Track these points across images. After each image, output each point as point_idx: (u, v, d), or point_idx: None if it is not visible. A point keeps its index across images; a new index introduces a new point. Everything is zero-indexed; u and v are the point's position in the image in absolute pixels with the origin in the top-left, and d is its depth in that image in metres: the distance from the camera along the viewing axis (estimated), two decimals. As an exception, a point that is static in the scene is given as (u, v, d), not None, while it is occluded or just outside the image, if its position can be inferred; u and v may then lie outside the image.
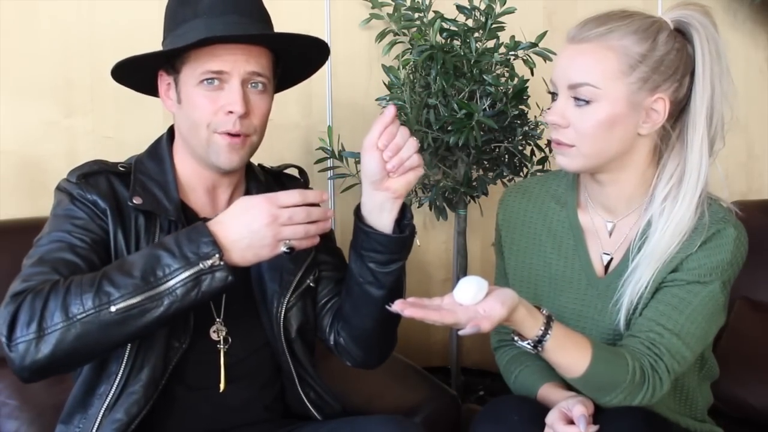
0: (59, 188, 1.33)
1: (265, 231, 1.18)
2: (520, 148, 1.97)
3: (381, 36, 2.06)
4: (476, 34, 1.94)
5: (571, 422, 1.24)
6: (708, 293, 1.31)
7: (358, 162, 1.95)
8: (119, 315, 1.15)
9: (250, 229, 1.18)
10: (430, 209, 2.04)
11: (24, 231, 1.69)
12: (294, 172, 1.55)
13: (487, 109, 1.90)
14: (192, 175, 1.38)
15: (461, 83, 1.88)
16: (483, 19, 1.94)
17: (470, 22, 1.97)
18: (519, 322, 1.21)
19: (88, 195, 1.29)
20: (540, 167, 2.00)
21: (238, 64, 1.29)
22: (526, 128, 1.96)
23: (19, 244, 1.69)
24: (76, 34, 1.88)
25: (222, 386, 1.35)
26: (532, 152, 2.01)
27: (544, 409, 1.30)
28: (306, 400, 1.43)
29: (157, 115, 1.77)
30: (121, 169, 1.35)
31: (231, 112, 1.30)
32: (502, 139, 1.95)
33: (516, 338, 1.26)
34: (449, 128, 1.87)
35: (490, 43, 1.94)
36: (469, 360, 2.23)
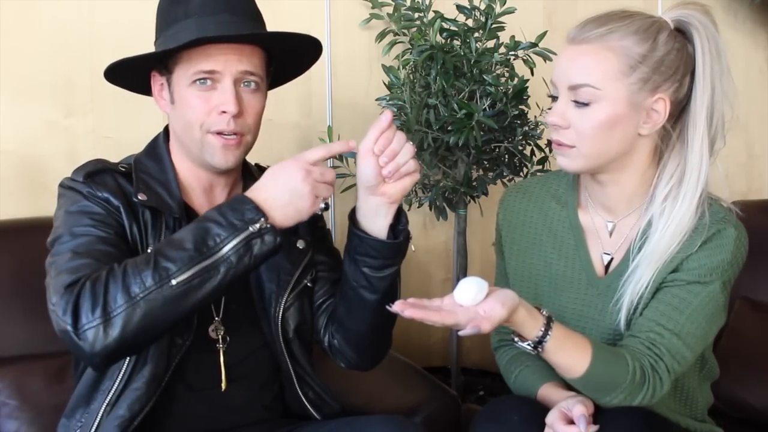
0: (66, 187, 1.32)
1: (302, 186, 1.20)
2: (520, 148, 1.97)
3: (381, 36, 2.06)
4: (476, 34, 1.94)
5: (571, 422, 1.24)
6: (708, 293, 1.31)
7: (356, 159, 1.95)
8: (180, 288, 1.15)
9: (287, 188, 1.20)
10: (430, 209, 2.04)
11: (24, 231, 1.71)
12: None
13: (487, 109, 1.90)
14: (189, 175, 1.38)
15: (461, 83, 1.88)
16: (483, 19, 1.94)
17: (470, 22, 1.97)
18: (519, 323, 1.21)
19: (99, 193, 1.29)
20: (540, 167, 2.00)
21: (230, 63, 1.29)
22: (526, 128, 1.96)
23: (19, 244, 1.70)
24: (76, 34, 1.89)
25: (224, 386, 1.35)
26: (532, 152, 2.01)
27: (544, 409, 1.30)
28: (305, 400, 1.43)
29: (157, 115, 1.76)
30: (122, 168, 1.35)
31: (224, 111, 1.30)
32: (502, 139, 1.95)
33: (516, 339, 1.25)
34: (449, 128, 1.87)
35: (490, 43, 1.94)
36: (469, 360, 2.23)
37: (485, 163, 2.01)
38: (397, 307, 1.14)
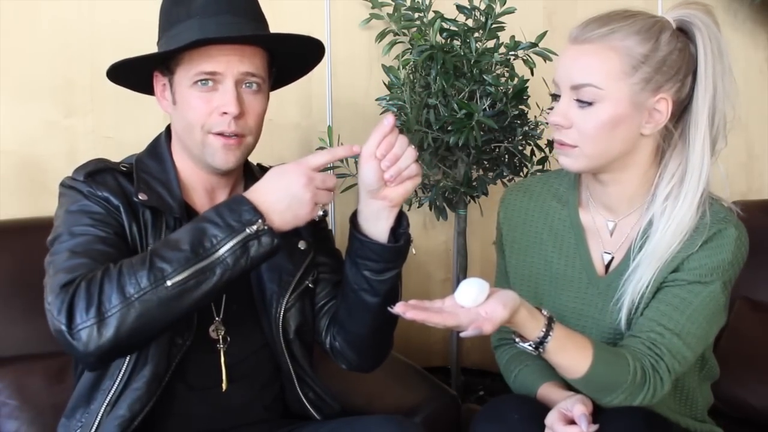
0: (66, 186, 1.32)
1: (303, 192, 1.20)
2: (520, 148, 1.97)
3: (381, 36, 2.06)
4: (476, 34, 1.94)
5: (570, 423, 1.24)
6: (709, 293, 1.31)
7: (357, 162, 1.94)
8: (175, 289, 1.15)
9: (287, 193, 1.20)
10: (430, 209, 2.04)
11: (24, 231, 1.71)
12: None
13: (487, 109, 1.90)
14: (191, 175, 1.38)
15: (461, 83, 1.88)
16: (483, 19, 1.94)
17: (470, 22, 1.97)
18: (520, 323, 1.21)
19: (99, 192, 1.29)
20: (540, 167, 2.00)
21: (232, 64, 1.29)
22: (526, 128, 1.96)
23: (20, 244, 1.70)
24: (76, 34, 1.89)
25: (224, 386, 1.35)
26: (532, 152, 2.01)
27: (544, 408, 1.30)
28: (305, 401, 1.43)
29: (157, 115, 1.77)
30: (123, 168, 1.35)
31: (225, 113, 1.30)
32: (502, 139, 1.95)
33: (517, 339, 1.25)
34: (449, 128, 1.87)
35: (490, 43, 1.94)
36: (469, 360, 2.23)
37: (485, 163, 2.01)
38: (398, 309, 1.14)
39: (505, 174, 1.99)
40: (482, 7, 1.95)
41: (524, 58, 1.97)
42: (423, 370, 1.88)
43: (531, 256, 1.45)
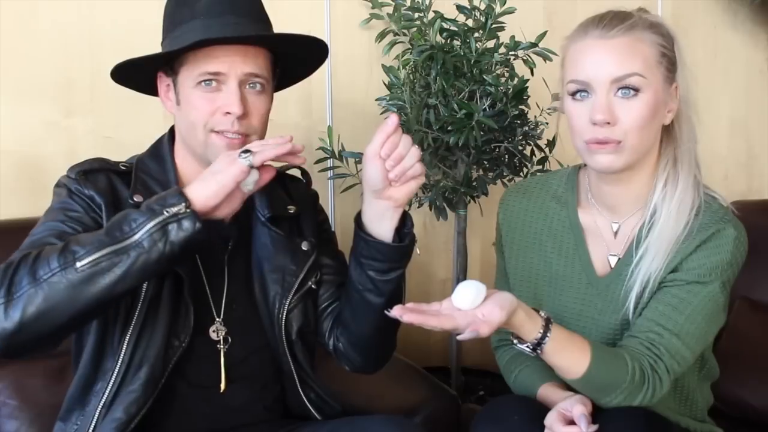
0: (58, 184, 1.33)
1: (220, 162, 1.19)
2: (520, 148, 1.97)
3: (381, 36, 2.06)
4: (476, 34, 1.94)
5: (569, 423, 1.24)
6: (708, 293, 1.31)
7: (358, 162, 1.95)
8: (85, 271, 1.12)
9: (210, 170, 1.19)
10: (430, 209, 2.04)
11: (24, 231, 1.69)
12: (296, 173, 1.55)
13: (487, 109, 1.90)
14: (193, 176, 1.37)
15: (461, 83, 1.88)
16: (483, 19, 1.94)
17: (470, 22, 1.97)
18: (518, 325, 1.22)
19: (86, 190, 1.29)
20: (540, 167, 2.00)
21: (235, 65, 1.29)
22: (526, 128, 1.96)
23: (19, 244, 1.69)
24: (76, 34, 1.89)
25: (223, 386, 1.35)
26: (532, 152, 2.01)
27: (544, 408, 1.30)
28: (307, 401, 1.43)
29: (157, 115, 1.77)
30: (122, 168, 1.35)
31: (228, 113, 1.30)
32: (502, 139, 1.95)
33: (515, 341, 1.26)
34: (449, 128, 1.87)
35: (490, 43, 1.94)
36: (469, 360, 2.23)
37: (485, 163, 2.01)
38: (395, 312, 1.14)
39: (505, 174, 1.99)
40: (482, 7, 1.95)
41: (524, 58, 1.97)
42: (423, 370, 1.88)
43: (530, 257, 1.45)
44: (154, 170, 1.36)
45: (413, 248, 1.33)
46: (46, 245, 1.20)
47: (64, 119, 1.90)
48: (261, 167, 1.21)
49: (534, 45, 1.94)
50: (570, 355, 1.25)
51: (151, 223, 1.14)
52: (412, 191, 1.26)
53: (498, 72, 1.94)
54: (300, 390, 1.42)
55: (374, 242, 1.29)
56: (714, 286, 1.31)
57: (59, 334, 1.20)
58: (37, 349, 1.21)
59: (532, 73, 1.97)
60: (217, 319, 1.37)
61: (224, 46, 1.29)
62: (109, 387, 1.28)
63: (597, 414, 1.27)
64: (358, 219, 1.32)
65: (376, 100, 1.98)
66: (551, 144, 1.99)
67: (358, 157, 1.93)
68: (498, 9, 1.94)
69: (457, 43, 1.95)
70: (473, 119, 1.83)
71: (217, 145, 1.31)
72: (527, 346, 1.24)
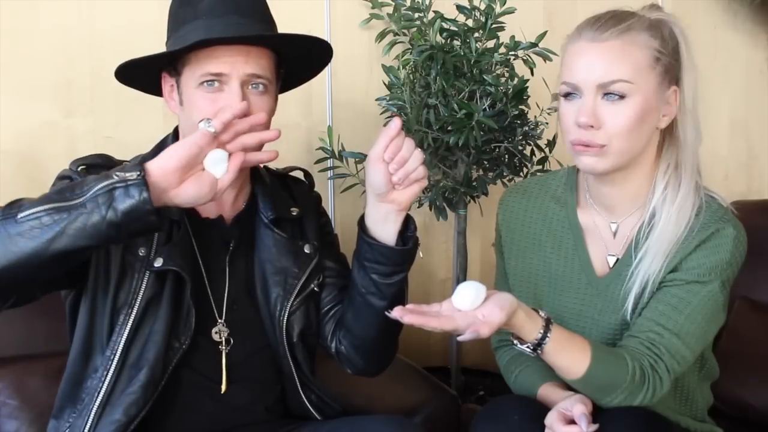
0: (60, 176, 1.33)
1: (179, 142, 1.18)
2: (520, 148, 1.97)
3: (381, 36, 2.06)
4: (476, 34, 1.94)
5: (570, 422, 1.24)
6: (707, 293, 1.31)
7: (358, 162, 1.95)
8: (23, 223, 1.09)
9: (173, 147, 1.17)
10: (430, 209, 2.04)
11: (24, 231, 1.70)
12: (299, 174, 1.55)
13: (487, 109, 1.90)
14: None
15: (461, 83, 1.88)
16: (483, 19, 1.94)
17: (470, 22, 1.97)
18: (518, 326, 1.22)
19: None
20: (540, 167, 2.00)
21: (237, 65, 1.29)
22: (526, 128, 1.96)
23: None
24: (76, 34, 1.88)
25: (224, 387, 1.35)
26: (532, 152, 2.01)
27: (544, 408, 1.30)
28: (307, 403, 1.43)
29: (158, 115, 1.77)
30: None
31: None
32: (502, 139, 1.95)
33: (515, 342, 1.26)
34: (449, 128, 1.87)
35: (490, 43, 1.94)
36: (469, 360, 2.23)
37: (485, 163, 2.01)
38: (396, 313, 1.14)
39: (505, 174, 1.99)
40: (482, 7, 1.95)
41: (524, 58, 1.97)
42: (423, 370, 1.88)
43: (530, 257, 1.45)
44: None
45: (416, 251, 1.33)
46: None
47: (64, 119, 1.90)
48: (231, 154, 1.19)
49: (534, 45, 1.94)
50: (570, 356, 1.25)
51: (100, 185, 1.11)
52: (415, 194, 1.27)
53: (498, 72, 1.94)
54: (300, 391, 1.42)
55: (378, 245, 1.29)
56: (714, 285, 1.31)
57: (7, 290, 1.18)
58: None
59: (532, 73, 1.97)
60: (220, 321, 1.37)
61: (226, 46, 1.28)
62: (104, 386, 1.28)
63: (597, 414, 1.27)
64: (361, 222, 1.32)
65: (376, 100, 1.98)
66: (551, 144, 1.99)
67: (358, 157, 1.93)
68: (498, 9, 1.93)
69: (457, 43, 1.95)
70: (473, 119, 1.83)
71: None
72: (527, 347, 1.24)
